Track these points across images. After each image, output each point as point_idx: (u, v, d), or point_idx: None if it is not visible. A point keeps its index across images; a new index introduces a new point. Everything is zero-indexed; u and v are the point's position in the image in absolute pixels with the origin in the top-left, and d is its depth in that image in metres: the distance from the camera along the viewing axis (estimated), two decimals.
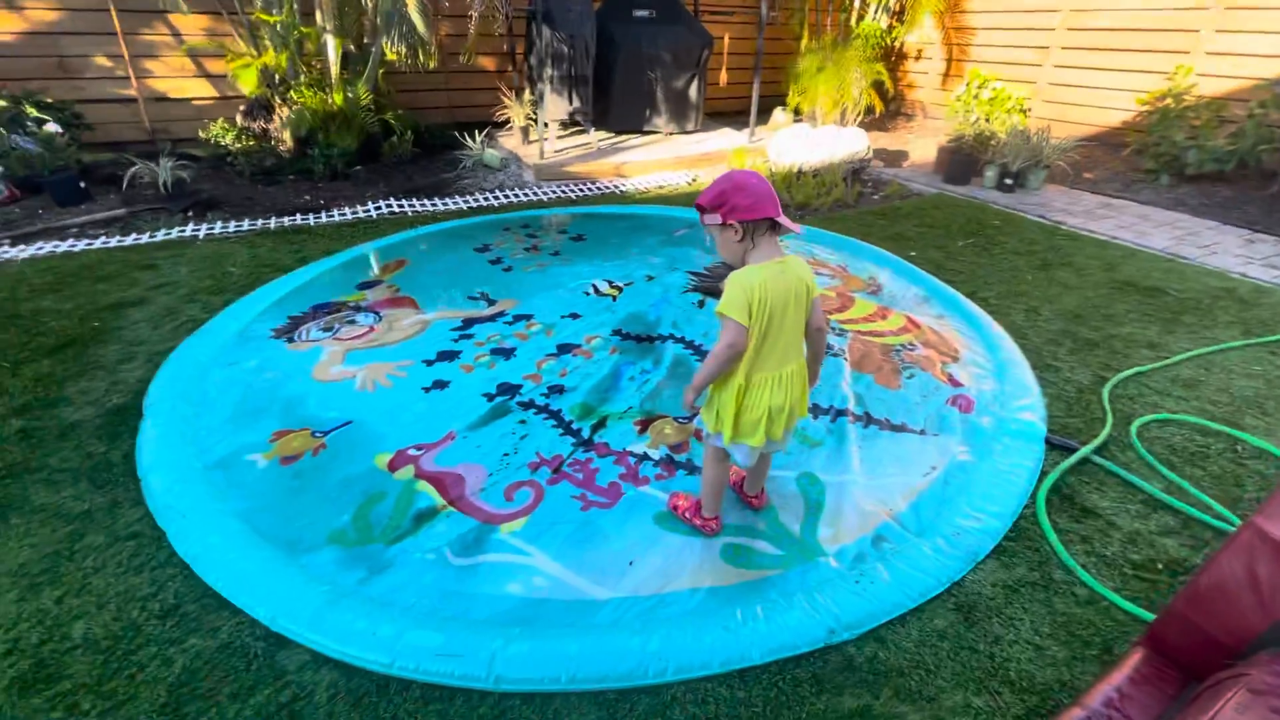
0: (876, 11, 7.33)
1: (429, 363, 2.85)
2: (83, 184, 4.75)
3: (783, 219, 1.53)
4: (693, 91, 6.87)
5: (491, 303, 3.42)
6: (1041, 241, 4.46)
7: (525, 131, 6.53)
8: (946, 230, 4.69)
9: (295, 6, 5.39)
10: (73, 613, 1.69)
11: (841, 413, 2.55)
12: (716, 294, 1.95)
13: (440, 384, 2.70)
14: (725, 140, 6.93)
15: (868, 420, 2.52)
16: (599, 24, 6.14)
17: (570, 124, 6.77)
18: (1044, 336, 3.18)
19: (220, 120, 5.80)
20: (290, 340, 3.02)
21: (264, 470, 2.21)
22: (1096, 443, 2.38)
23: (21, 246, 4.03)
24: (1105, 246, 4.39)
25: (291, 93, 5.51)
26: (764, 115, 7.61)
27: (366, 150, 5.82)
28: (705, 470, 1.90)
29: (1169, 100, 5.75)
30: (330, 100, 5.52)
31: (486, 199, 5.29)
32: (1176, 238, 4.55)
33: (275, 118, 5.60)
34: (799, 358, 1.69)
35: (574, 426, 2.46)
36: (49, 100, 5.15)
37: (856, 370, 2.84)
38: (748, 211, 1.51)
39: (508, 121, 6.65)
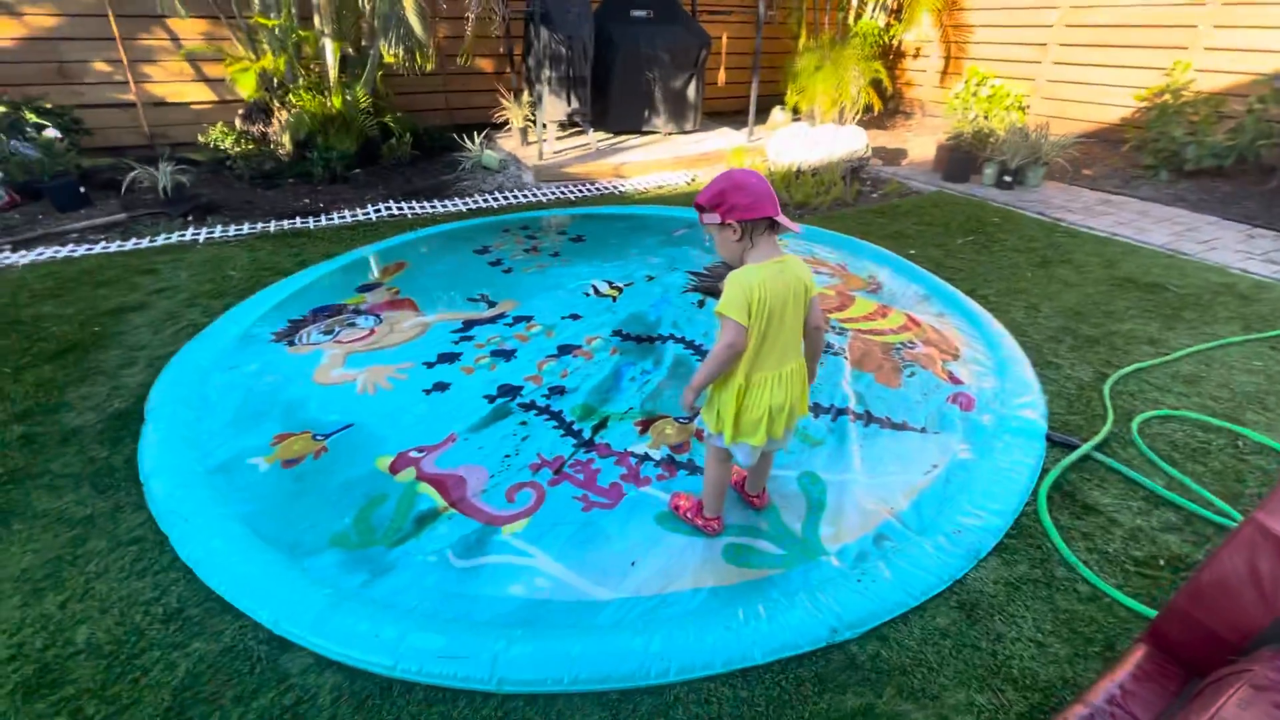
0: (874, 10, 7.33)
1: (429, 365, 2.85)
2: (82, 189, 4.76)
3: (781, 218, 1.53)
4: (691, 91, 6.86)
5: (492, 304, 3.42)
6: (1041, 238, 4.46)
7: (524, 133, 6.53)
8: (946, 228, 4.69)
9: (293, 10, 5.40)
10: (76, 618, 1.70)
11: (842, 411, 2.55)
12: (716, 294, 1.95)
13: (441, 386, 2.71)
14: (724, 140, 6.93)
15: (868, 419, 2.52)
16: (597, 24, 6.14)
17: (569, 125, 6.77)
18: (1044, 333, 3.18)
19: (219, 124, 5.81)
20: (291, 344, 3.02)
21: (265, 474, 2.21)
22: (1097, 439, 2.38)
23: (22, 252, 4.04)
24: (1105, 243, 4.39)
25: (290, 96, 5.52)
26: (762, 114, 7.61)
27: (365, 153, 5.83)
28: (707, 470, 1.90)
29: (1167, 96, 5.74)
30: (329, 103, 5.52)
31: (486, 201, 5.29)
32: (1176, 234, 4.55)
33: (274, 121, 5.61)
34: (798, 356, 1.69)
35: (575, 427, 2.46)
36: (48, 106, 5.15)
37: (857, 369, 2.85)
38: (746, 211, 1.51)
39: (506, 123, 6.65)
